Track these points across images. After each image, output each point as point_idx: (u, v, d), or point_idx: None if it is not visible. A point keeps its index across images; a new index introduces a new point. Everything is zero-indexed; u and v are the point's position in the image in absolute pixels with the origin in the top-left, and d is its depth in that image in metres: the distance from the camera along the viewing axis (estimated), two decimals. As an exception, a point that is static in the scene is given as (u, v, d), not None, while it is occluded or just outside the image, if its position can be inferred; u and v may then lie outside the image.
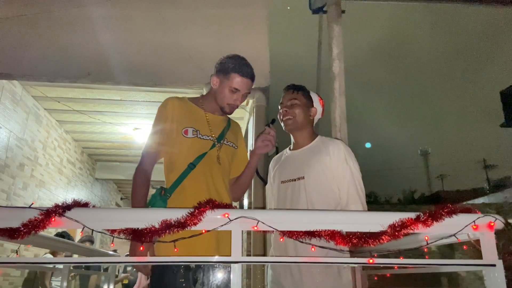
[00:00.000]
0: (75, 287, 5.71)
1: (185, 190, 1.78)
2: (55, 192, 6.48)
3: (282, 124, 2.08)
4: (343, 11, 3.78)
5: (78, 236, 7.21)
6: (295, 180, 1.97)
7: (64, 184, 6.98)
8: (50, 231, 5.26)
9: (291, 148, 2.13)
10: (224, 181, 1.88)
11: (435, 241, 1.68)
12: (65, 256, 2.71)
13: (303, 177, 1.95)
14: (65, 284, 2.51)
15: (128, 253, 1.71)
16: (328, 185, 1.93)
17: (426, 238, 1.39)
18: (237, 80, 1.83)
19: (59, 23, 3.94)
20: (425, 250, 1.81)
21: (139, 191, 1.76)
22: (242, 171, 2.00)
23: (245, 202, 4.43)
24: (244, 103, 4.83)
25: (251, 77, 1.86)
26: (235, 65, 1.83)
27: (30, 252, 5.29)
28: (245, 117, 5.24)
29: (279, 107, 2.11)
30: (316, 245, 1.35)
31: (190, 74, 4.03)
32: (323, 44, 3.96)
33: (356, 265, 2.00)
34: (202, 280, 1.72)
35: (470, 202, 13.01)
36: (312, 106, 2.09)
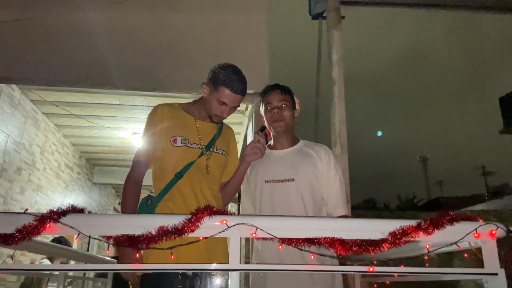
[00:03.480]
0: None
1: (173, 199, 1.78)
2: (53, 197, 6.43)
3: (271, 126, 2.02)
4: (342, 17, 3.79)
5: (75, 242, 7.18)
6: (282, 181, 1.93)
7: (62, 189, 6.93)
8: (47, 236, 5.23)
9: (272, 147, 2.08)
10: (211, 189, 1.87)
11: (436, 249, 1.66)
12: (61, 262, 2.68)
13: (293, 179, 1.93)
14: (61, 290, 2.48)
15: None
16: (318, 188, 1.96)
17: (427, 246, 1.37)
18: (226, 94, 1.81)
19: (57, 27, 3.94)
20: (426, 257, 1.80)
21: (129, 200, 1.77)
22: (231, 177, 1.99)
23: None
24: (243, 107, 4.82)
25: (241, 92, 1.84)
26: (226, 78, 1.80)
27: (27, 257, 5.25)
28: (244, 122, 5.23)
29: (265, 106, 2.05)
30: (307, 251, 1.33)
31: (189, 79, 4.01)
32: (322, 49, 3.97)
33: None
34: None
35: (469, 208, 12.97)
36: (295, 107, 2.08)
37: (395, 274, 2.35)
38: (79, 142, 7.28)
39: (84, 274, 4.95)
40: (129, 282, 1.72)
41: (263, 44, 4.07)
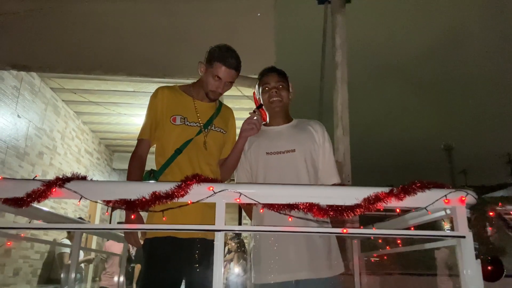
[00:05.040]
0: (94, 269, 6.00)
1: (172, 173, 1.92)
2: (74, 181, 6.70)
3: (267, 105, 2.14)
4: (348, 1, 3.82)
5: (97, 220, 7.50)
6: (283, 152, 2.04)
7: (82, 173, 7.15)
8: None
9: (267, 124, 2.21)
10: (209, 164, 2.00)
11: (410, 213, 1.76)
12: (75, 238, 2.87)
13: (294, 150, 2.04)
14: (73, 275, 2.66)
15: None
16: (316, 158, 2.07)
17: (398, 210, 1.46)
18: (220, 69, 1.94)
19: (73, 17, 4.12)
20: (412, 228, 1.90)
21: (133, 173, 1.93)
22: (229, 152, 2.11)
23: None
24: (252, 93, 4.92)
25: (234, 67, 1.96)
26: (220, 54, 1.94)
27: (49, 237, 5.54)
28: (253, 107, 5.33)
29: (263, 87, 2.16)
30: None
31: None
32: (327, 34, 4.01)
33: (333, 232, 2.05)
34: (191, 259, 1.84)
35: (489, 195, 12.77)
36: (289, 90, 2.19)
37: (387, 247, 2.46)
38: (98, 128, 7.56)
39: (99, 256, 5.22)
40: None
41: (270, 29, 4.14)
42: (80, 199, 1.41)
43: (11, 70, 4.45)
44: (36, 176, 1.45)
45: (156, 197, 1.41)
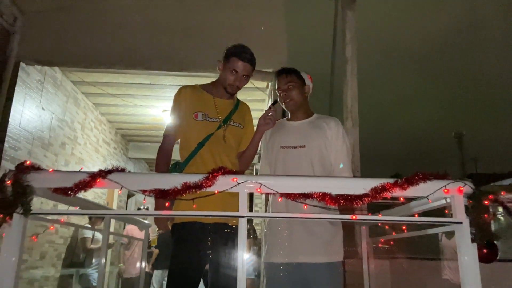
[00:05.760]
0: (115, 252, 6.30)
1: (196, 164, 2.12)
2: (93, 169, 6.92)
3: (283, 105, 2.31)
4: (358, -4, 3.92)
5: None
6: (295, 147, 2.20)
7: (101, 162, 7.48)
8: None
9: (289, 119, 2.36)
10: (229, 156, 2.19)
11: (414, 202, 1.93)
12: (105, 223, 3.10)
13: (304, 146, 2.19)
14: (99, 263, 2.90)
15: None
16: (327, 155, 2.21)
17: (402, 199, 1.63)
18: (236, 64, 2.13)
19: (93, 14, 4.32)
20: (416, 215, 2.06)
21: (160, 166, 2.15)
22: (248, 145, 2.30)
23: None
24: (264, 85, 5.09)
25: (249, 61, 2.15)
26: (235, 50, 2.14)
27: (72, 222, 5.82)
28: (265, 99, 5.51)
29: (277, 89, 2.31)
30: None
31: (212, 59, 4.30)
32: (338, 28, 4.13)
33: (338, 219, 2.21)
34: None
35: (498, 183, 12.80)
36: (305, 84, 2.32)
37: (393, 232, 2.64)
38: (114, 119, 7.81)
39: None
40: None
41: (282, 24, 4.29)
42: (121, 188, 1.60)
43: (36, 65, 4.67)
44: (81, 168, 1.65)
45: (187, 187, 1.59)
